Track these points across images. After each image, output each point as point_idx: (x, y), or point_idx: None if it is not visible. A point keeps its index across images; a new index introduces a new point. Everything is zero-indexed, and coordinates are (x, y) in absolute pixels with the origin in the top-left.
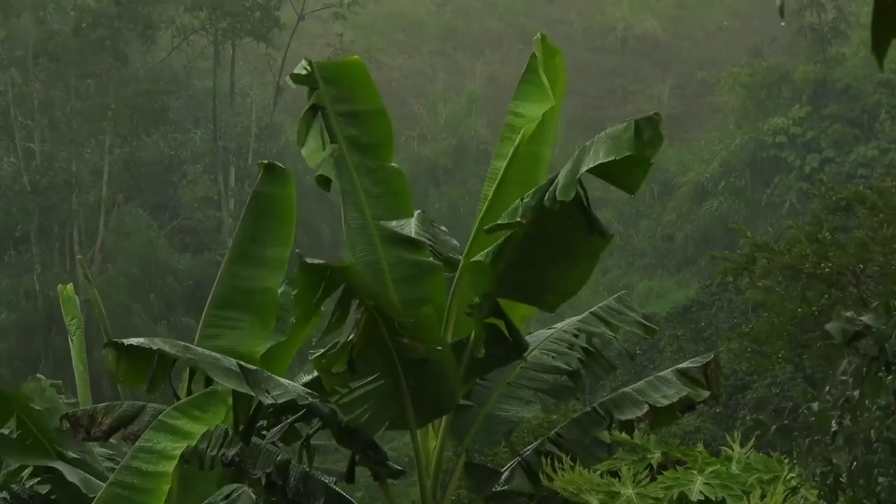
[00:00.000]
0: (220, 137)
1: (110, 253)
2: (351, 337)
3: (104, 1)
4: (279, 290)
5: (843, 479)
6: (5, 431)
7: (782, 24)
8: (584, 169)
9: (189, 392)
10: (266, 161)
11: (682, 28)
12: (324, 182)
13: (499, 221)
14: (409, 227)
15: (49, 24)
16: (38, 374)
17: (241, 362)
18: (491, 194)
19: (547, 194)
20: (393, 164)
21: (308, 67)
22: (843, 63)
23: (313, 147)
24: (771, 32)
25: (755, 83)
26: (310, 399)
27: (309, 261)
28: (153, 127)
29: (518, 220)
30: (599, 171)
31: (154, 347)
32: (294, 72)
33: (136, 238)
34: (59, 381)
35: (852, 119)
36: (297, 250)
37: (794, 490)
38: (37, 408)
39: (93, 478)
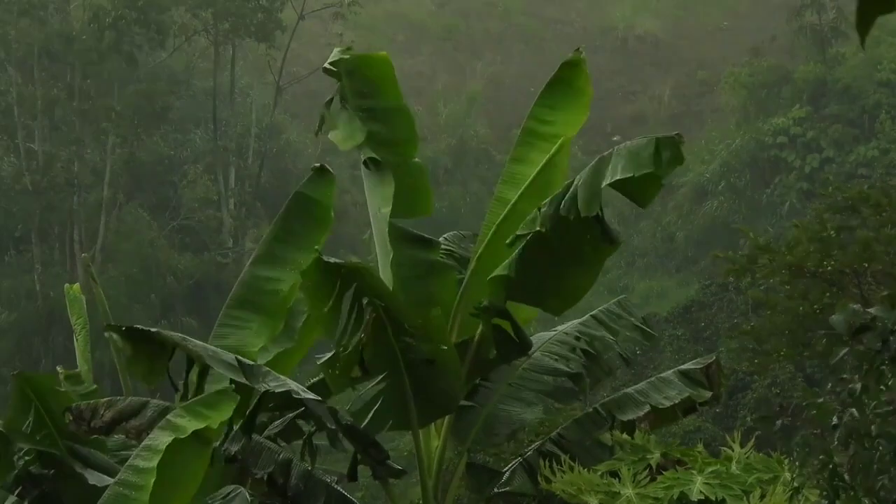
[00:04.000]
0: (220, 137)
1: (111, 253)
2: (362, 337)
3: (118, 4)
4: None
5: (846, 477)
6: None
7: None
8: (605, 184)
9: (188, 386)
10: (318, 164)
11: (682, 28)
12: (375, 163)
13: (518, 233)
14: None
15: (51, 24)
16: (57, 367)
17: (240, 357)
18: (515, 199)
19: (563, 203)
20: (416, 161)
21: (343, 55)
22: (843, 63)
23: (344, 132)
24: (771, 32)
25: (755, 83)
26: (309, 394)
27: (326, 259)
28: (154, 127)
29: (538, 229)
30: (615, 184)
31: (152, 331)
32: (329, 60)
33: (137, 238)
34: (77, 370)
35: (852, 119)
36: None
37: (796, 490)
38: (62, 389)
39: (103, 473)
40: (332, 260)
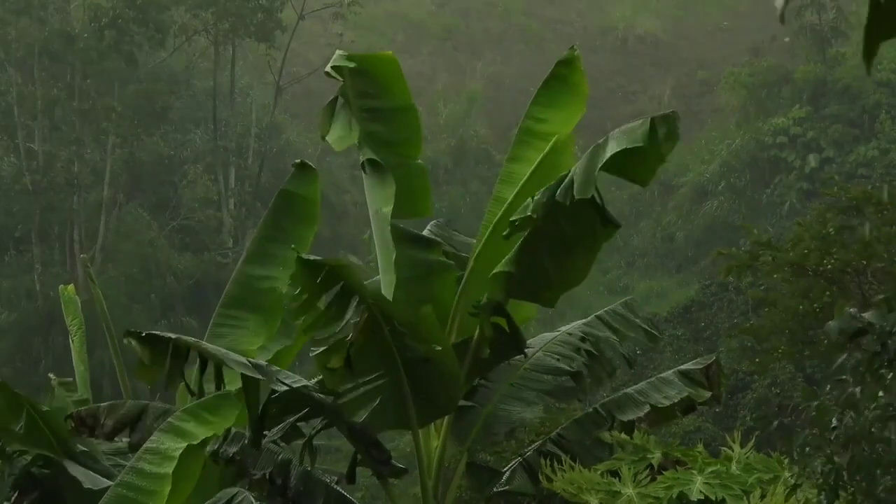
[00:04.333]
0: (220, 137)
1: (110, 253)
2: (350, 335)
3: (118, 3)
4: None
5: (845, 478)
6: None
7: (782, 24)
8: (600, 165)
9: (197, 386)
10: (299, 160)
11: (682, 28)
12: (374, 164)
13: (511, 219)
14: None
15: (51, 24)
16: (49, 374)
17: (250, 358)
18: (511, 198)
19: (559, 191)
20: (418, 162)
21: (346, 59)
22: (843, 63)
23: (339, 133)
24: (771, 32)
25: (755, 83)
26: (318, 395)
27: (306, 258)
28: (154, 127)
29: (530, 214)
30: (612, 165)
31: (171, 337)
32: (330, 64)
33: (137, 238)
34: (70, 379)
35: (852, 119)
36: (292, 246)
37: (795, 489)
38: (45, 408)
39: (97, 475)
40: (314, 258)
